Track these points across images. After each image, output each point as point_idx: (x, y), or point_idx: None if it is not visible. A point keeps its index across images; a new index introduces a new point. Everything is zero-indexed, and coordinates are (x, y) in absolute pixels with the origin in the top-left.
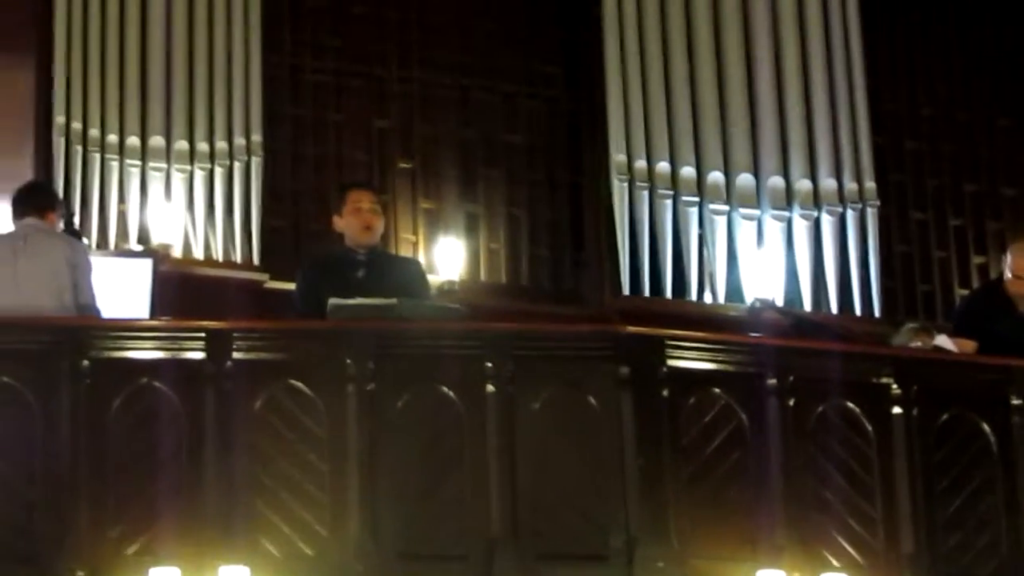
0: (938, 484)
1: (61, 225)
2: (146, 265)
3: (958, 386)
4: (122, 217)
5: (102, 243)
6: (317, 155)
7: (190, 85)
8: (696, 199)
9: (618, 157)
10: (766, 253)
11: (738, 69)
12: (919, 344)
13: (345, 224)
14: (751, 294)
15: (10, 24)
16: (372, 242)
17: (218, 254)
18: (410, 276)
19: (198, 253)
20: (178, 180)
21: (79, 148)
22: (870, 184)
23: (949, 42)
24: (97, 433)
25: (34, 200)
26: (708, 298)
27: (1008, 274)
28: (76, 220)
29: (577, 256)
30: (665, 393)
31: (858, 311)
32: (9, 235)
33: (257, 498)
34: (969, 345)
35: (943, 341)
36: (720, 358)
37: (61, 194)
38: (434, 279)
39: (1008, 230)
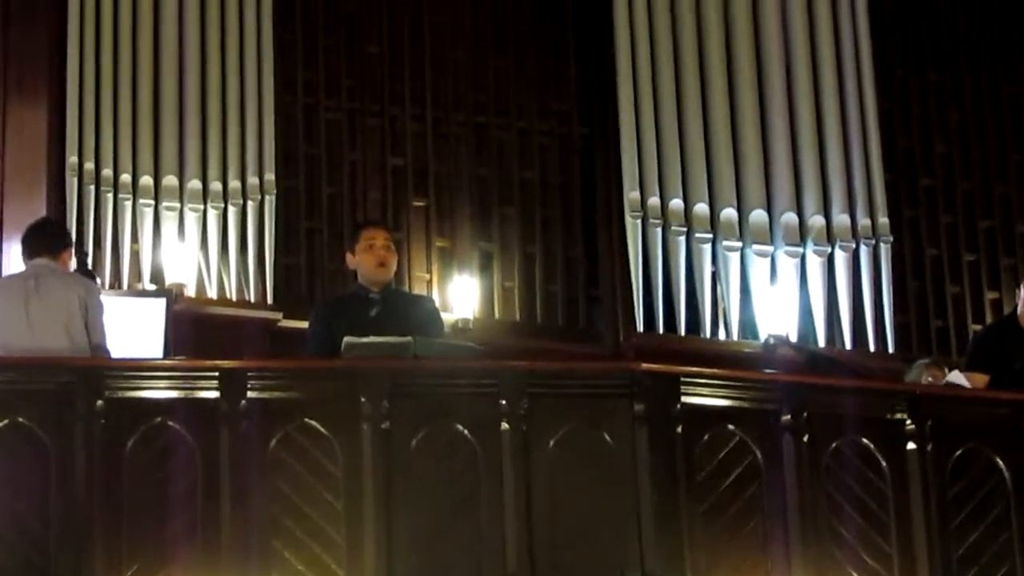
0: (953, 519)
1: (74, 264)
2: (160, 305)
3: (972, 421)
4: (135, 257)
5: (115, 283)
6: (331, 194)
7: (203, 124)
8: (709, 236)
9: (632, 194)
10: (780, 289)
11: (751, 105)
12: (932, 380)
13: (358, 262)
14: (765, 330)
15: (22, 63)
16: (386, 280)
17: (232, 293)
18: (424, 314)
19: (211, 292)
20: (191, 219)
21: (92, 188)
22: (883, 220)
23: (962, 78)
24: (112, 473)
25: (46, 240)
26: (722, 334)
27: (1022, 309)
28: (89, 260)
29: (591, 293)
30: (680, 430)
31: (872, 347)
32: (20, 275)
33: (272, 537)
34: (982, 380)
35: (956, 377)
36: (734, 394)
37: (74, 234)
38: (448, 317)
39: (1022, 265)
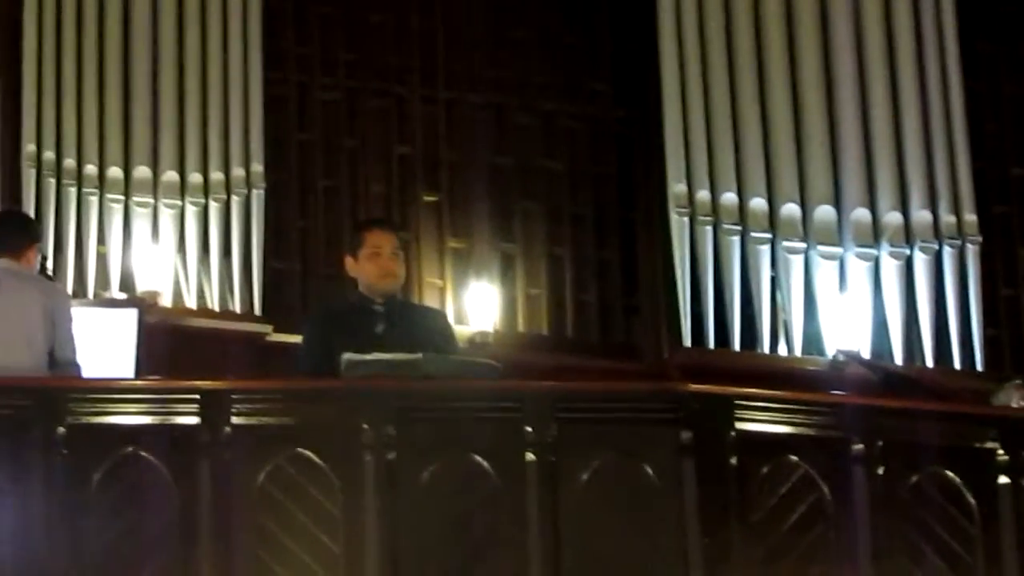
0: None
1: (39, 263)
2: (131, 316)
3: None
4: (102, 260)
5: (79, 291)
6: (328, 187)
7: (180, 107)
8: (768, 235)
9: (677, 187)
10: (850, 297)
11: (816, 84)
12: None
13: (360, 270)
14: (832, 345)
15: None
16: (393, 290)
17: (214, 303)
18: (435, 329)
19: (190, 302)
20: (167, 217)
21: (52, 181)
22: (970, 217)
23: None
24: (75, 512)
25: (8, 236)
26: (783, 350)
27: None
28: (49, 264)
29: (630, 302)
30: (733, 461)
31: (957, 364)
32: None
33: None
34: None
35: None
36: (797, 420)
37: None
38: (464, 330)
39: None
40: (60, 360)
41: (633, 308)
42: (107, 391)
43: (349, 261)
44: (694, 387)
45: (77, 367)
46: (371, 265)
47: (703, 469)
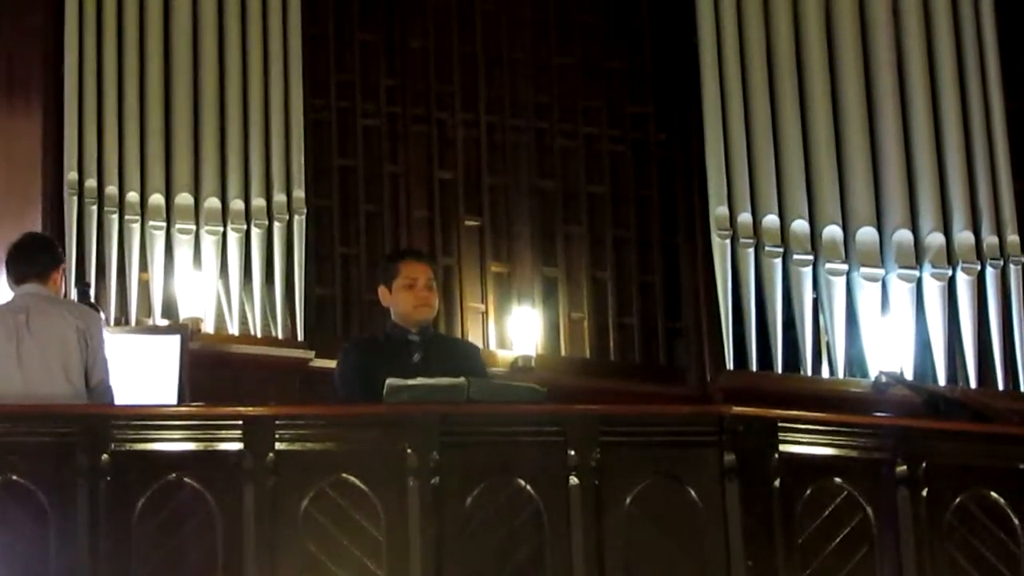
0: None
1: (74, 294)
2: (173, 343)
3: None
4: (144, 287)
5: (122, 318)
6: (370, 212)
7: (222, 134)
8: (810, 257)
9: (719, 210)
10: (892, 319)
11: (857, 105)
12: None
13: (395, 300)
14: (876, 367)
15: (13, 65)
16: (428, 319)
17: (256, 329)
18: (470, 361)
19: (233, 328)
20: (209, 243)
21: (94, 208)
22: (1013, 237)
23: None
24: (120, 538)
25: (34, 262)
26: (825, 372)
27: None
28: (92, 292)
29: (672, 325)
30: (777, 484)
31: (1000, 385)
32: (8, 307)
33: None
34: None
35: None
36: (841, 442)
37: (74, 261)
38: (507, 355)
39: None
40: (92, 382)
41: (676, 331)
42: (151, 418)
43: (383, 291)
44: (737, 410)
45: (109, 389)
46: (406, 295)
47: (747, 492)
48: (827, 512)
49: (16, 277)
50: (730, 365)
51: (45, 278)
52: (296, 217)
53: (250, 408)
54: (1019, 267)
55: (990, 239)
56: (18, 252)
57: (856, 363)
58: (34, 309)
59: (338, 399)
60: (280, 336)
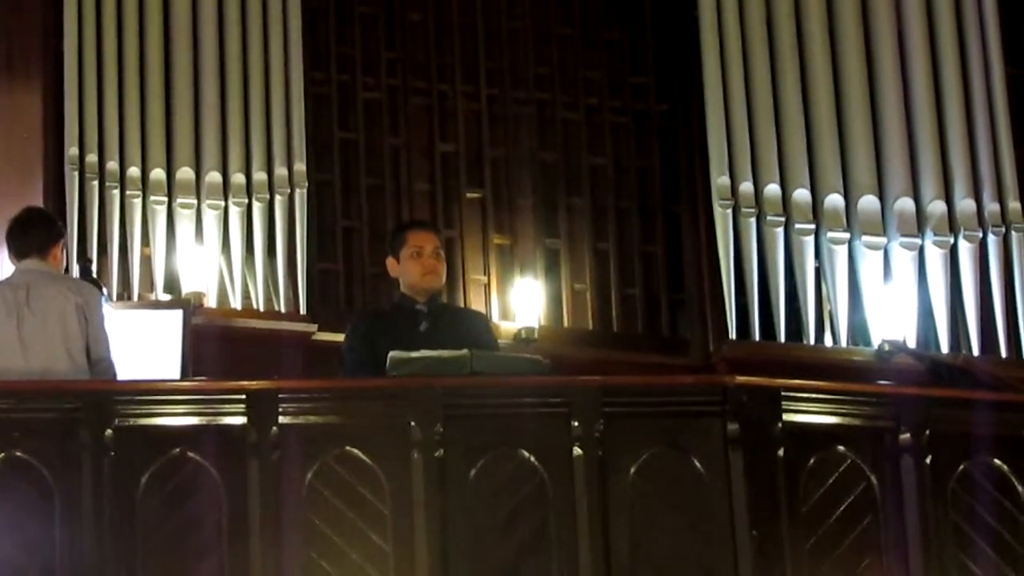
0: None
1: (75, 270)
2: (176, 317)
3: None
4: (146, 262)
5: (124, 293)
6: (371, 186)
7: (222, 108)
8: (812, 226)
9: (720, 179)
10: (895, 287)
11: (858, 73)
12: None
13: (402, 270)
14: (878, 335)
15: (12, 40)
16: (435, 289)
17: (259, 303)
18: (477, 330)
19: (235, 302)
20: (210, 218)
21: (95, 184)
22: (1014, 204)
23: None
24: (124, 513)
25: (33, 237)
26: (828, 341)
27: None
28: (94, 267)
29: (675, 296)
30: (781, 453)
31: (1003, 352)
32: (8, 283)
33: None
34: None
35: None
36: (844, 411)
37: (75, 237)
38: (510, 326)
39: None
40: (93, 357)
41: (678, 302)
42: (154, 393)
43: (391, 262)
44: (741, 379)
45: (112, 366)
46: (413, 265)
47: (751, 461)
48: (831, 481)
49: (16, 252)
50: (733, 335)
51: (45, 253)
52: (298, 191)
53: (253, 382)
54: (1021, 234)
55: (992, 206)
56: (18, 227)
57: (859, 332)
58: (34, 285)
59: (345, 371)
60: (283, 310)
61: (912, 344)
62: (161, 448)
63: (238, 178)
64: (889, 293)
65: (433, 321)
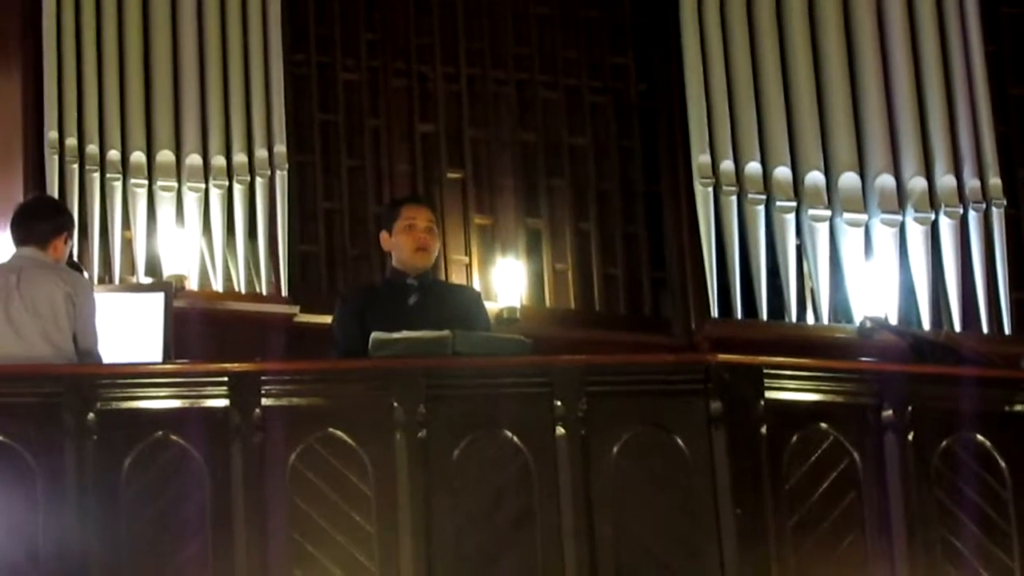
0: None
1: (66, 252)
2: (157, 300)
3: None
4: (127, 246)
5: (106, 276)
6: (352, 167)
7: (202, 90)
8: (793, 204)
9: (701, 158)
10: (876, 264)
11: (837, 50)
12: None
13: (395, 244)
14: (860, 312)
15: None
16: (426, 266)
17: (240, 285)
18: (467, 305)
19: (217, 285)
20: (191, 200)
21: (75, 167)
22: (995, 180)
23: None
24: (108, 497)
25: (34, 226)
26: (810, 319)
27: None
28: (75, 251)
29: (657, 275)
30: (764, 430)
31: (985, 328)
32: (3, 267)
33: (295, 567)
34: None
35: None
36: (827, 388)
37: None
38: (492, 306)
39: None
40: (81, 350)
41: (660, 281)
42: (136, 376)
43: (384, 236)
44: (723, 357)
45: (99, 358)
46: (406, 238)
47: (733, 439)
48: (814, 458)
49: (16, 239)
50: (715, 313)
51: (45, 244)
52: (278, 172)
53: (236, 364)
54: (1001, 210)
55: (972, 183)
56: (21, 215)
57: (841, 309)
58: (25, 270)
59: (334, 346)
60: (264, 292)
61: (894, 321)
62: (144, 431)
63: (219, 160)
64: (870, 270)
65: (423, 295)
